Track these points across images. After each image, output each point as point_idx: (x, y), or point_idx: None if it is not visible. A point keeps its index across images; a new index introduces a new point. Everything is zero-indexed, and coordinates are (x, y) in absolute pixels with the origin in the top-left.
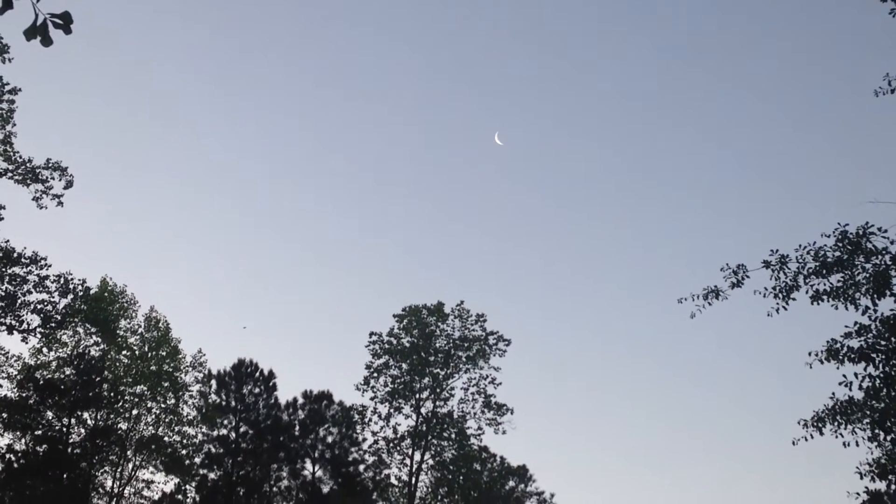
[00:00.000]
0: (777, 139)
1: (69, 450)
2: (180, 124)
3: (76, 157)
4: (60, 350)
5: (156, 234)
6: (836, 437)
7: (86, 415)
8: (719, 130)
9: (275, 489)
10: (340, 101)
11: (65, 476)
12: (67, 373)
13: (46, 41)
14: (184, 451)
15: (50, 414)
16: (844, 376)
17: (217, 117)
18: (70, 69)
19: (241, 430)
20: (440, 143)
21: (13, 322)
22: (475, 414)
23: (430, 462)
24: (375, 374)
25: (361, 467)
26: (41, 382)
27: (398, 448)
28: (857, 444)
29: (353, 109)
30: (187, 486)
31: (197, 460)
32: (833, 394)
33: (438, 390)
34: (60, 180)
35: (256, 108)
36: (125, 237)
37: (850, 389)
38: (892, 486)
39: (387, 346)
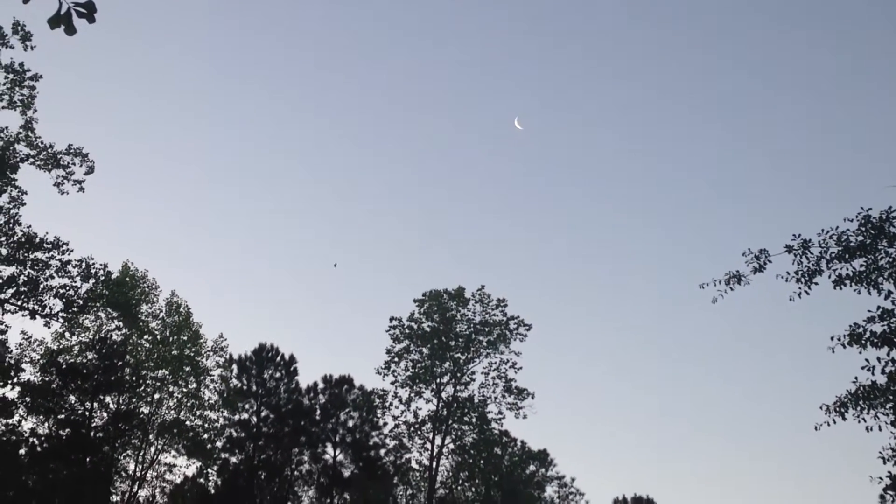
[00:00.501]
0: (797, 126)
1: (92, 434)
2: (202, 112)
3: (97, 144)
4: (83, 334)
5: (176, 220)
6: (859, 421)
7: (108, 399)
8: (739, 118)
9: (296, 473)
10: (358, 88)
11: (88, 460)
12: (90, 357)
13: (70, 30)
14: (205, 435)
15: (73, 398)
16: (867, 361)
17: (237, 105)
18: (93, 56)
19: (263, 414)
20: (460, 127)
21: (36, 307)
22: (496, 398)
23: (451, 446)
24: (396, 359)
25: (382, 451)
26: (64, 367)
27: (419, 432)
28: (880, 429)
29: (373, 96)
30: (209, 470)
31: (219, 444)
32: (856, 378)
33: (459, 375)
34: (81, 166)
35: (276, 97)
36: (146, 222)
37: (873, 374)
38: None
39: (407, 330)
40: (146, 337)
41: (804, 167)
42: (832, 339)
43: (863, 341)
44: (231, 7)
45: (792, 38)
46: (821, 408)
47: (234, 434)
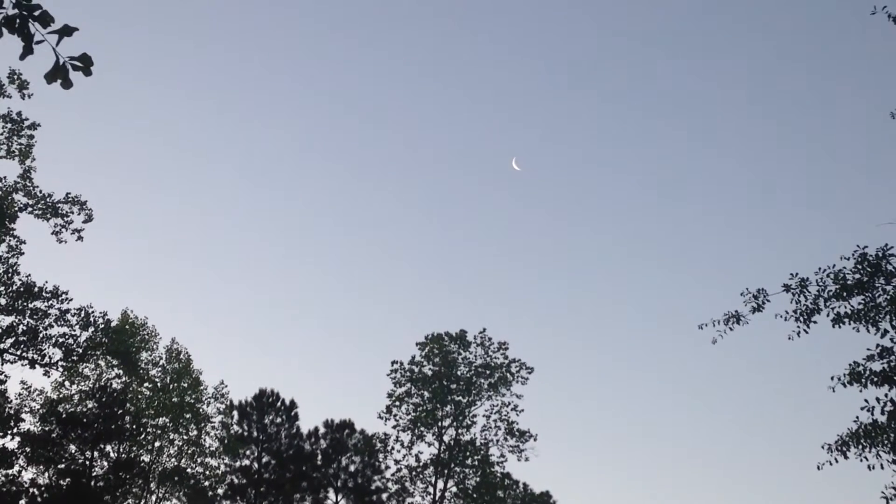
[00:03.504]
0: (794, 161)
1: (93, 483)
2: (193, 151)
3: (94, 191)
4: (82, 383)
5: (175, 266)
6: (861, 460)
7: (108, 447)
8: (737, 157)
9: None
10: (357, 126)
11: None
12: (90, 406)
13: (67, 84)
14: (207, 483)
15: (73, 447)
16: (867, 401)
17: (230, 143)
18: (86, 100)
19: (264, 460)
20: (458, 168)
21: (35, 356)
22: (498, 441)
23: (454, 490)
24: (398, 403)
25: (384, 496)
26: (64, 416)
27: (421, 476)
28: (882, 467)
29: (372, 133)
30: None
31: (220, 491)
32: (857, 417)
33: (461, 418)
34: (80, 214)
35: (274, 129)
36: (144, 269)
37: (873, 414)
38: None
39: (409, 374)
40: (146, 385)
41: (800, 204)
42: (832, 378)
43: (863, 380)
44: (221, 34)
45: (793, 70)
46: (822, 447)
47: (236, 481)
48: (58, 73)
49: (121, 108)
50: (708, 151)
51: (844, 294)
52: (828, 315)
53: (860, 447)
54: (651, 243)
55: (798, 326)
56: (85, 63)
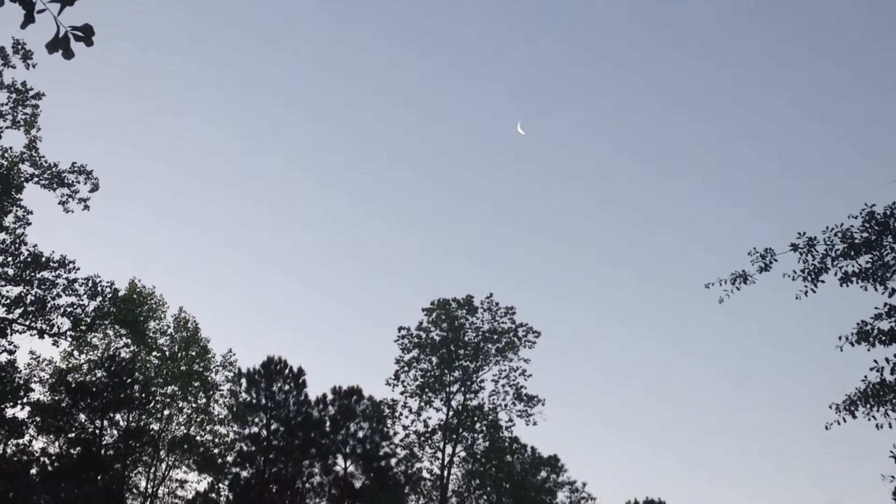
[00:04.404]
0: (800, 122)
1: (103, 451)
2: (202, 120)
3: (101, 159)
4: (91, 353)
5: (182, 234)
6: (869, 419)
7: (118, 416)
8: (742, 116)
9: (307, 485)
10: (366, 94)
11: (99, 478)
12: (99, 375)
13: (68, 54)
14: (216, 450)
15: (83, 416)
16: (875, 361)
17: (242, 111)
18: (92, 69)
19: (272, 427)
20: (463, 133)
21: (44, 326)
22: (506, 406)
23: (462, 455)
24: (405, 369)
25: (393, 461)
26: (73, 385)
27: (429, 441)
28: (891, 426)
29: (379, 103)
30: (220, 485)
31: (229, 459)
32: (865, 377)
33: (469, 383)
34: (86, 184)
35: (284, 100)
36: (151, 238)
37: (882, 374)
38: None
39: (416, 339)
40: (155, 354)
41: (807, 163)
42: (840, 338)
43: (871, 339)
44: (233, 11)
45: (795, 30)
46: (830, 406)
47: (245, 448)
48: (59, 44)
49: (126, 76)
50: (711, 110)
51: (852, 253)
52: (835, 274)
53: (868, 406)
54: (657, 205)
55: (805, 286)
56: (86, 33)
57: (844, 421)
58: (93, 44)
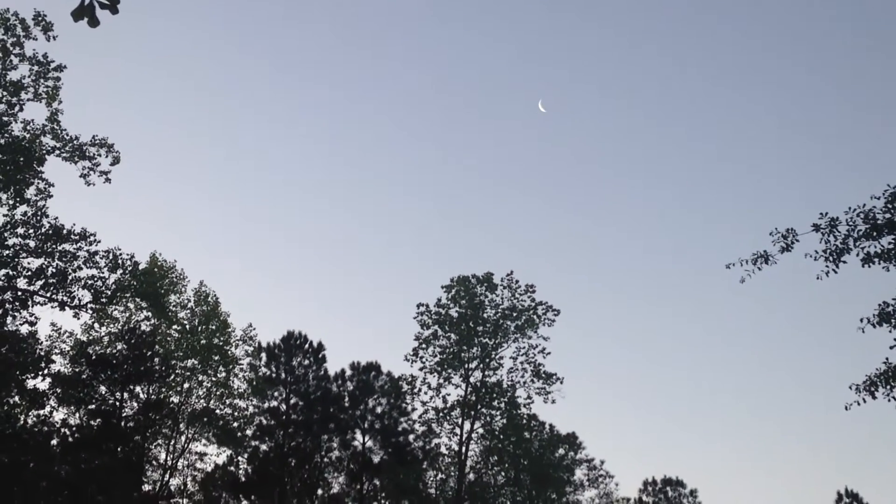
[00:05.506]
0: (821, 103)
1: (123, 423)
2: (228, 96)
3: (122, 132)
4: (112, 325)
5: (203, 208)
6: (889, 400)
7: (138, 389)
8: (766, 98)
9: (326, 460)
10: (384, 71)
11: (119, 449)
12: (119, 348)
13: (94, 22)
14: (235, 424)
15: (103, 388)
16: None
17: (263, 89)
18: (115, 42)
19: (292, 401)
20: (484, 110)
21: (65, 298)
22: (524, 383)
23: (480, 431)
24: (424, 345)
25: (411, 437)
26: (94, 358)
27: (448, 418)
28: None
29: (399, 79)
30: (239, 458)
31: (249, 432)
32: (886, 358)
33: (487, 360)
34: (107, 157)
35: (302, 80)
36: (172, 212)
37: None
38: None
39: (435, 316)
40: (175, 327)
41: (832, 143)
42: (861, 319)
43: (892, 320)
44: None
45: (816, 13)
46: (850, 387)
47: (264, 422)
48: (84, 11)
49: (147, 48)
50: (734, 90)
51: (874, 233)
52: (857, 255)
53: (888, 387)
54: (677, 183)
55: (827, 266)
56: (112, 1)
57: (864, 401)
58: (118, 11)
